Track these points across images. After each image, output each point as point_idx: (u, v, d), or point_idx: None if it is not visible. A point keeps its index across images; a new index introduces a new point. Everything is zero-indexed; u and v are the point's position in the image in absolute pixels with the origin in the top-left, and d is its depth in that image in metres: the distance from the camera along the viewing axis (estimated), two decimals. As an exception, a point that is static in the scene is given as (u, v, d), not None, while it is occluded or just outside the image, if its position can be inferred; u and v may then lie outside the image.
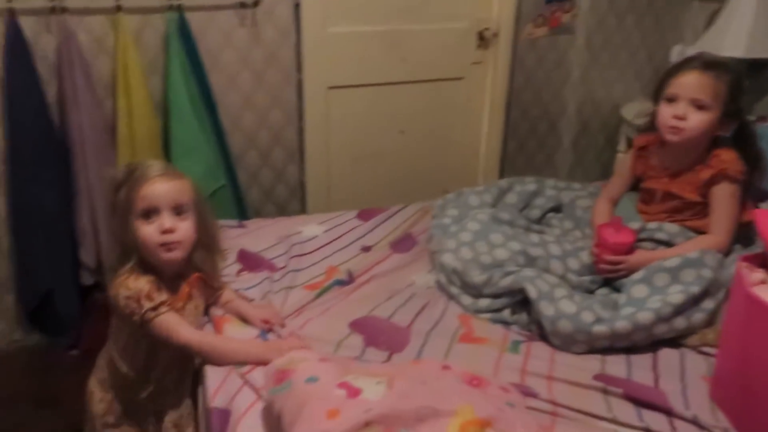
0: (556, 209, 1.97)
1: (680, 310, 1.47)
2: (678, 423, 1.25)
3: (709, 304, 1.51)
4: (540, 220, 1.93)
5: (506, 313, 1.60)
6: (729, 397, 1.26)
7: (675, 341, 1.51)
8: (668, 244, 1.69)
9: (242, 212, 2.49)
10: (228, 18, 2.33)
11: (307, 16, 2.45)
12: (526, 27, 2.77)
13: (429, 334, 1.52)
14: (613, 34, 2.91)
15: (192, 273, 1.44)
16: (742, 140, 1.72)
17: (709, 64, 1.66)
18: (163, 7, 2.21)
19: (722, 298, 1.53)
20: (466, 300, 1.65)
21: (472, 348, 1.49)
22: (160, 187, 1.33)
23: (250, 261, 1.80)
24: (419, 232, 1.98)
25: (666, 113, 1.67)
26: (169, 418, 1.45)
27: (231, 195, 2.45)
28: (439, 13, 2.69)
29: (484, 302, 1.62)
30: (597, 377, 1.38)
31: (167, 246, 1.33)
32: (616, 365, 1.44)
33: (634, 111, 2.86)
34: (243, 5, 2.33)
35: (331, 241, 1.92)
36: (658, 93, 1.73)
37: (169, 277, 1.39)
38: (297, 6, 2.41)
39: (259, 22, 2.38)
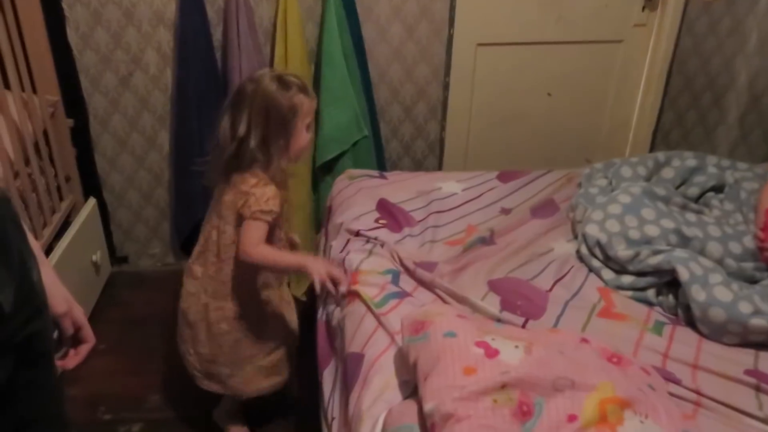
0: (718, 189, 1.82)
1: None
2: (840, 434, 1.14)
3: None
4: (698, 200, 1.80)
5: (650, 293, 1.52)
6: None
7: None
8: None
9: (381, 164, 2.53)
10: (385, -32, 2.33)
11: (463, -32, 2.39)
12: (702, -12, 2.53)
13: (567, 304, 1.48)
14: (804, -1, 2.58)
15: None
16: None
17: None
18: (323, -44, 2.25)
19: None
20: (608, 274, 1.58)
21: (611, 324, 1.43)
22: (314, 104, 1.57)
23: (388, 210, 1.83)
24: (562, 199, 1.92)
25: None
26: None
27: (372, 146, 2.49)
28: (604, -31, 2.52)
29: (627, 279, 1.55)
30: (749, 372, 1.28)
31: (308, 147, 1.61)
32: (772, 362, 1.33)
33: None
34: (401, -44, 2.31)
35: (470, 200, 1.91)
36: None
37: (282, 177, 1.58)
38: (455, -41, 2.36)
39: (415, -26, 2.36)
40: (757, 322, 1.33)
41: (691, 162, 1.85)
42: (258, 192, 1.49)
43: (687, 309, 1.43)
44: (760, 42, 2.65)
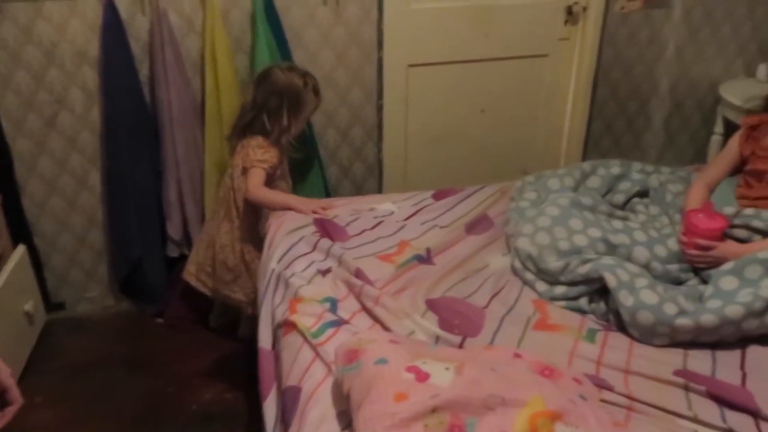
0: (643, 194, 1.88)
1: None
2: (766, 426, 1.18)
3: None
4: (624, 206, 1.86)
5: (583, 302, 1.55)
6: (826, 403, 1.17)
7: (766, 338, 1.42)
8: (765, 233, 1.59)
9: (326, 189, 2.52)
10: (312, -4, 2.35)
11: (389, -8, 2.43)
12: (618, 1, 2.63)
13: (503, 319, 1.50)
14: (715, 7, 2.71)
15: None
16: None
17: None
18: (249, -14, 2.25)
19: None
20: (541, 286, 1.61)
21: (546, 336, 1.45)
22: (318, 104, 2.13)
23: (322, 225, 1.84)
24: (496, 214, 1.94)
25: None
26: None
27: (317, 171, 2.48)
28: (526, -13, 2.60)
29: (559, 289, 1.58)
30: (678, 373, 1.32)
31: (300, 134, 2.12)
32: (699, 361, 1.37)
33: (735, 90, 2.68)
34: (326, -17, 2.33)
35: (405, 218, 1.92)
36: None
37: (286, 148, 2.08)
38: (380, -18, 2.40)
39: (341, 0, 2.38)
40: (682, 321, 1.38)
41: (616, 170, 1.90)
42: (256, 146, 1.99)
43: (618, 314, 1.47)
44: (677, 49, 2.78)
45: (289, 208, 1.94)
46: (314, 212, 1.91)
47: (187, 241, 2.39)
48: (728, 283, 1.46)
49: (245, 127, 2.04)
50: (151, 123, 2.28)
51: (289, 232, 1.81)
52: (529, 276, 1.64)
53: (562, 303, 1.56)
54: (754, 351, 1.40)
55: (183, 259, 2.39)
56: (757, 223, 1.60)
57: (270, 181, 2.03)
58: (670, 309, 1.39)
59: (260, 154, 1.98)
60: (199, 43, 2.27)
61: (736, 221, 1.62)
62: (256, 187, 1.96)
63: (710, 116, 2.85)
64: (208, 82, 2.25)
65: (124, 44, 2.17)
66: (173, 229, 2.35)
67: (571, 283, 1.57)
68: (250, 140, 2.01)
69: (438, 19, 2.54)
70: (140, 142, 2.26)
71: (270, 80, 2.02)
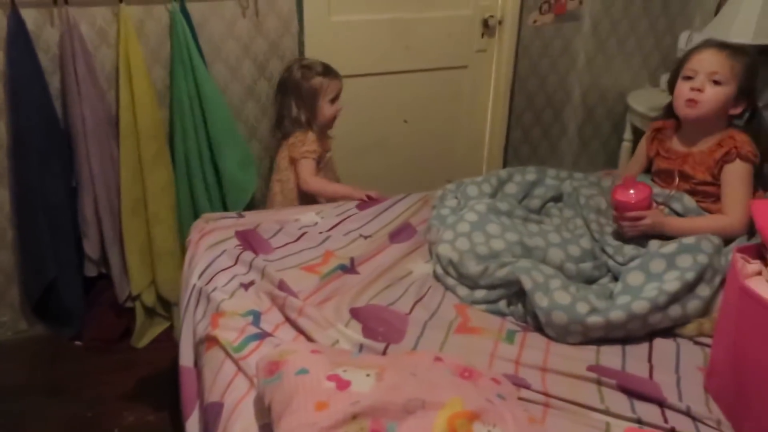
0: (557, 199, 1.96)
1: (676, 297, 1.47)
2: (671, 414, 1.25)
3: (704, 291, 1.51)
4: (540, 211, 1.93)
5: (502, 305, 1.60)
6: (722, 388, 1.26)
7: (672, 332, 1.51)
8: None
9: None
10: (230, 8, 2.33)
11: (309, 5, 2.44)
12: (532, 14, 2.74)
13: (426, 324, 1.52)
14: (620, 21, 2.87)
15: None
16: (755, 128, 1.79)
17: (726, 44, 1.79)
18: (166, -2, 2.21)
19: (718, 285, 1.52)
20: (463, 291, 1.65)
21: (467, 339, 1.49)
22: (336, 82, 2.24)
23: (245, 238, 1.83)
24: (419, 222, 1.98)
25: (684, 88, 1.75)
26: None
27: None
28: (444, 0, 2.66)
29: (480, 293, 1.62)
30: (591, 368, 1.38)
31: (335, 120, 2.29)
32: (611, 356, 1.44)
33: (641, 99, 2.83)
34: (245, -5, 2.32)
35: (329, 229, 1.93)
36: (675, 75, 1.81)
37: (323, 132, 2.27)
38: (299, -5, 2.41)
39: (260, 12, 2.37)
40: (593, 319, 1.44)
41: (531, 176, 1.98)
42: (297, 141, 2.18)
43: (535, 315, 1.52)
44: (587, 61, 2.92)
45: (345, 197, 2.11)
46: (368, 196, 2.07)
47: (105, 259, 2.30)
48: (635, 278, 1.54)
49: (278, 129, 2.28)
50: (63, 137, 2.19)
51: (211, 246, 1.78)
52: (451, 281, 1.67)
53: (483, 306, 1.61)
54: (661, 344, 1.48)
55: (101, 278, 2.31)
56: (676, 206, 1.75)
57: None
58: (582, 308, 1.46)
59: (301, 146, 2.16)
60: (113, 56, 2.21)
61: (659, 198, 1.76)
62: (308, 177, 2.16)
63: (620, 124, 3.01)
64: (123, 95, 2.18)
65: (32, 56, 2.08)
66: (90, 247, 2.26)
67: (491, 287, 1.61)
68: (289, 138, 2.21)
69: (358, 31, 2.57)
70: (52, 157, 2.17)
71: (278, 83, 2.26)
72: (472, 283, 1.64)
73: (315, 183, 2.18)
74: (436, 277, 1.72)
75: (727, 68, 1.71)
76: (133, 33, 2.15)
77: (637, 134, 2.81)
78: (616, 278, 1.65)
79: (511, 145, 2.96)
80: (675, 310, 1.47)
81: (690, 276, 1.48)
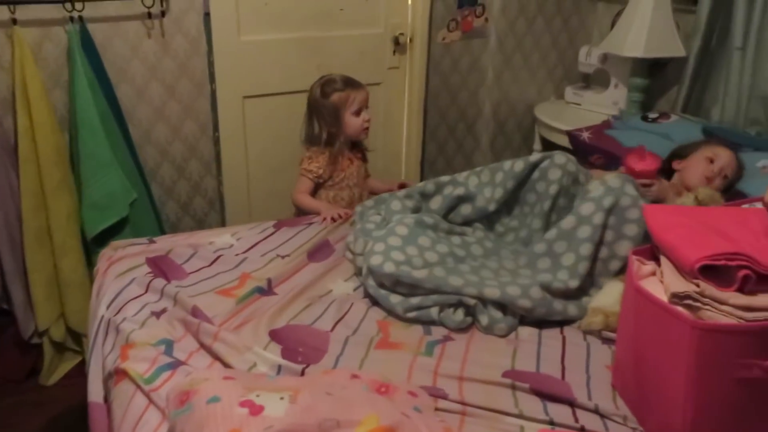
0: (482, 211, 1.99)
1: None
2: (581, 413, 1.29)
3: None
4: (464, 223, 1.96)
5: (434, 311, 1.61)
6: (626, 384, 1.32)
7: (582, 328, 1.59)
8: None
9: (159, 227, 2.43)
10: (134, 28, 2.27)
11: (218, 25, 2.41)
12: (440, 32, 2.82)
13: (348, 341, 1.52)
14: (524, 37, 3.00)
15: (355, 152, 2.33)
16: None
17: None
18: (63, 19, 2.13)
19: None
20: (395, 299, 1.65)
21: (387, 354, 1.49)
22: (359, 92, 2.22)
23: (156, 265, 1.77)
24: (337, 240, 1.98)
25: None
26: None
27: (148, 210, 2.38)
28: (354, 19, 2.70)
29: (415, 300, 1.63)
30: (506, 374, 1.41)
31: (366, 130, 2.27)
32: (526, 360, 1.48)
33: (547, 111, 2.96)
34: (150, 15, 2.27)
35: (245, 250, 1.90)
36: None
37: (342, 150, 2.24)
38: (207, 15, 2.37)
39: (167, 32, 2.33)
40: (522, 302, 1.56)
41: (460, 190, 1.98)
42: (305, 156, 2.23)
43: (468, 320, 1.60)
44: (495, 76, 3.02)
45: (317, 212, 2.13)
46: (332, 219, 2.06)
47: (6, 294, 2.17)
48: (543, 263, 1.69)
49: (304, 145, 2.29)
50: (-45, 167, 2.06)
51: (119, 274, 1.72)
52: (383, 292, 1.66)
53: (414, 314, 1.62)
54: (573, 345, 1.54)
55: (2, 314, 2.18)
56: None
57: (317, 189, 2.26)
58: (513, 291, 1.58)
59: (306, 163, 2.22)
60: (9, 80, 2.11)
61: None
62: (297, 192, 2.23)
63: (529, 135, 3.13)
64: (21, 121, 2.08)
65: None
66: (-11, 284, 2.13)
67: (424, 294, 1.63)
68: (306, 151, 2.25)
69: (270, 51, 2.56)
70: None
71: (307, 105, 2.25)
72: (406, 291, 1.64)
73: (299, 198, 2.23)
74: (364, 290, 1.71)
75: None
76: (29, 56, 2.06)
77: (546, 145, 2.93)
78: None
79: (427, 159, 3.02)
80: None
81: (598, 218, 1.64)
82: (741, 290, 1.13)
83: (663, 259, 1.27)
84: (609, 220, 1.65)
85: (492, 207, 1.90)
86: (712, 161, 2.04)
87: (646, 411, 1.24)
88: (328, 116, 2.19)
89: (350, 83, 2.21)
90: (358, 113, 2.21)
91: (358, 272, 1.80)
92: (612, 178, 1.71)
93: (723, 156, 2.05)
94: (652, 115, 2.56)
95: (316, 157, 2.21)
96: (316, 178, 2.23)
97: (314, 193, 2.27)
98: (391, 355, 1.49)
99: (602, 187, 1.68)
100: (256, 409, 1.04)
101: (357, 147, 2.34)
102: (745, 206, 1.60)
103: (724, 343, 1.10)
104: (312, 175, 2.22)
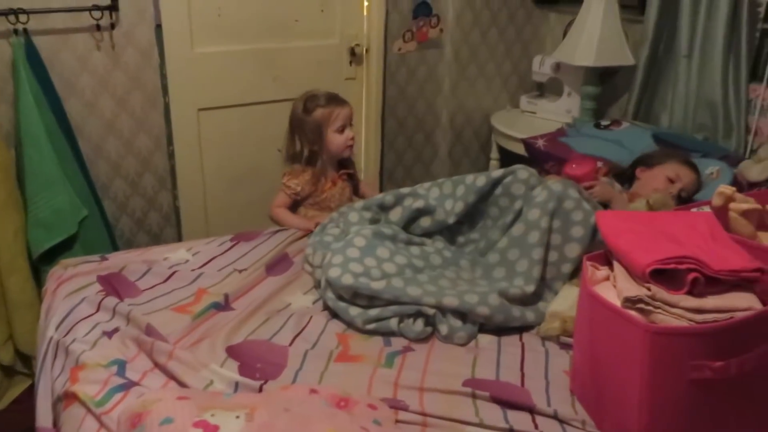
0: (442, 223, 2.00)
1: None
2: (540, 419, 1.30)
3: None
4: (423, 234, 1.95)
5: (393, 322, 1.60)
6: (584, 389, 1.33)
7: (540, 333, 1.61)
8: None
9: (113, 243, 2.37)
10: (83, 41, 2.22)
11: (170, 37, 2.38)
12: (396, 42, 2.84)
13: (307, 355, 1.50)
14: (479, 47, 3.03)
15: (341, 169, 2.24)
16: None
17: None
18: (7, 32, 2.07)
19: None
20: (355, 311, 1.63)
21: (347, 367, 1.48)
22: (342, 109, 2.15)
23: (108, 282, 1.73)
24: (295, 253, 1.96)
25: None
26: None
27: (100, 226, 2.32)
28: (310, 30, 2.69)
29: (374, 312, 1.61)
30: (466, 383, 1.41)
31: (350, 147, 2.19)
32: (486, 369, 1.48)
33: (503, 119, 2.99)
34: (99, 27, 2.22)
35: (201, 265, 1.86)
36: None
37: (325, 170, 2.17)
38: (159, 27, 2.34)
39: (117, 45, 2.28)
40: (481, 310, 1.57)
41: (421, 202, 1.98)
42: (286, 172, 2.17)
43: (433, 326, 1.60)
44: (452, 85, 3.05)
45: (295, 227, 2.09)
46: (304, 230, 2.05)
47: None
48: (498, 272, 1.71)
49: (286, 163, 2.23)
50: None
51: (69, 294, 1.66)
52: (342, 304, 1.65)
53: (373, 325, 1.60)
54: (531, 352, 1.55)
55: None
56: None
57: (297, 205, 2.20)
58: (470, 298, 1.58)
59: (286, 179, 2.16)
60: (-50, 95, 2.04)
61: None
62: (274, 206, 2.17)
63: (486, 144, 3.16)
64: (-37, 137, 2.01)
65: None
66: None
67: (383, 305, 1.61)
68: (288, 168, 2.19)
69: (224, 63, 2.53)
70: None
71: (290, 121, 2.19)
72: (365, 303, 1.63)
73: (275, 212, 2.17)
74: (324, 303, 1.69)
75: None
76: (-29, 70, 1.99)
77: (503, 153, 2.97)
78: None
79: (386, 169, 3.02)
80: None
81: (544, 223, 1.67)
82: (691, 293, 1.15)
83: (616, 264, 1.29)
84: (554, 224, 1.68)
85: (451, 220, 1.89)
86: (673, 182, 2.08)
87: (603, 414, 1.26)
88: (311, 133, 2.12)
89: (334, 99, 2.15)
90: (341, 130, 2.14)
91: (317, 285, 1.78)
92: (554, 183, 1.74)
93: (685, 179, 2.09)
94: (605, 122, 2.62)
95: (297, 174, 2.15)
96: (294, 195, 2.16)
97: (294, 209, 2.20)
98: (351, 368, 1.47)
99: (545, 191, 1.71)
100: (210, 429, 1.02)
101: (344, 166, 2.26)
102: (694, 210, 1.65)
103: (676, 345, 1.12)
104: (290, 191, 2.16)
